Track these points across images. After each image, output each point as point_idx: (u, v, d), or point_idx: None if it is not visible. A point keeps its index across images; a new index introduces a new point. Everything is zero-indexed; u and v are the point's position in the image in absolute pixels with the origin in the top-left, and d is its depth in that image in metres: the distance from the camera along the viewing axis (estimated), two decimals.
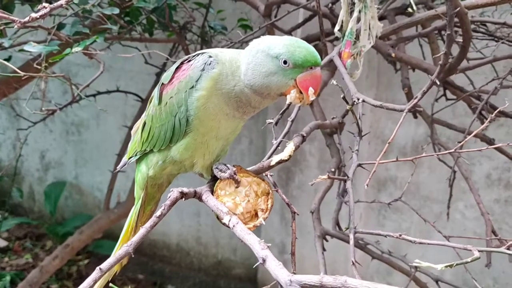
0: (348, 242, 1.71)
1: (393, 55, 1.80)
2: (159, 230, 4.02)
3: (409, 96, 2.04)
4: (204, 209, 4.06)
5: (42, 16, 0.75)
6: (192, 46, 2.79)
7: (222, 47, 2.64)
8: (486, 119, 2.20)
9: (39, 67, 1.71)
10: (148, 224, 0.87)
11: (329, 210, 1.93)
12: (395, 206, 3.47)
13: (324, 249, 1.63)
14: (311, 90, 0.97)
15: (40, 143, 4.43)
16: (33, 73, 1.76)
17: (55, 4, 0.77)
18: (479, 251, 0.86)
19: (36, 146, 4.44)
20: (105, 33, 1.90)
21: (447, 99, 2.19)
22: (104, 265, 0.81)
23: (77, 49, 1.58)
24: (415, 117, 2.05)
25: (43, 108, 2.16)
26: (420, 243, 0.97)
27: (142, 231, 0.86)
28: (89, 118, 4.24)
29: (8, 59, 2.16)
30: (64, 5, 0.79)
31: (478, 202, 1.66)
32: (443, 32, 1.92)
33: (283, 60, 0.94)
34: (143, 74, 3.54)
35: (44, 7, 0.76)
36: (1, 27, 1.88)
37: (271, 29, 2.20)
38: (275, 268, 0.76)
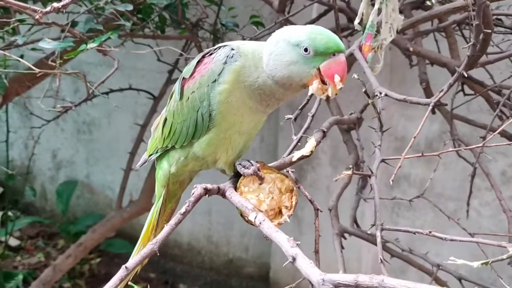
0: (366, 240, 1.68)
1: (411, 49, 1.76)
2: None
3: (427, 91, 2.00)
4: (215, 207, 4.04)
5: (64, 6, 0.73)
6: (204, 43, 2.77)
7: None
8: (505, 114, 2.16)
9: (53, 64, 1.68)
10: (172, 222, 0.85)
11: (343, 208, 1.90)
12: (408, 204, 3.43)
13: (342, 247, 1.60)
14: (337, 78, 0.92)
15: (51, 142, 4.43)
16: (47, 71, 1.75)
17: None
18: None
19: (47, 145, 4.44)
20: (119, 30, 1.88)
21: (465, 95, 2.15)
22: (130, 263, 0.79)
23: (92, 45, 1.56)
24: (434, 112, 2.01)
25: (57, 106, 2.15)
26: (452, 240, 0.94)
27: (166, 228, 0.84)
28: (100, 117, 4.24)
29: (20, 57, 2.15)
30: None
31: (500, 199, 1.63)
32: (462, 26, 1.88)
33: (303, 47, 0.90)
34: (154, 72, 3.52)
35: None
36: (15, 24, 1.87)
37: (284, 24, 2.17)
38: (306, 267, 0.73)
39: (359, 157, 1.70)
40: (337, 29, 1.86)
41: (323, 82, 0.94)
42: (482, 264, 0.79)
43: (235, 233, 3.99)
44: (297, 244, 0.78)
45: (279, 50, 0.92)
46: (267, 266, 3.82)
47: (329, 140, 3.32)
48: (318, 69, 0.92)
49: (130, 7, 1.88)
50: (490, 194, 3.16)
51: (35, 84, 2.59)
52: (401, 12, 2.07)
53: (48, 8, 0.74)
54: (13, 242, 4.18)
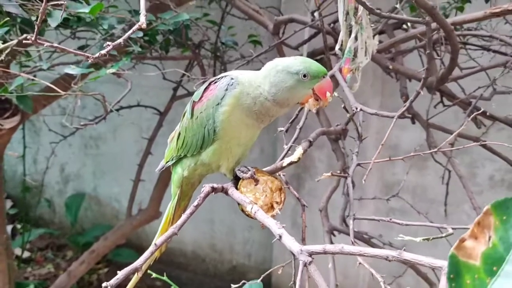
0: (356, 237, 1.96)
1: (390, 67, 2.05)
2: (175, 238, 4.26)
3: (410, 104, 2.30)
4: (218, 216, 4.32)
5: (108, 52, 1.02)
6: (205, 61, 3.06)
7: (235, 62, 2.93)
8: (482, 123, 2.45)
9: (75, 86, 1.98)
10: (188, 211, 1.13)
11: (336, 209, 2.18)
12: (402, 209, 3.69)
13: (331, 242, 1.88)
14: (328, 94, 1.23)
15: (60, 156, 4.71)
16: (62, 90, 2.03)
17: (116, 42, 1.04)
18: (453, 228, 1.11)
19: (56, 160, 4.72)
20: (131, 54, 2.17)
21: (444, 105, 2.44)
22: (158, 241, 1.08)
23: (111, 70, 1.85)
24: (413, 122, 2.30)
25: (66, 122, 2.45)
26: (407, 224, 1.22)
27: (184, 216, 1.12)
28: (106, 132, 4.53)
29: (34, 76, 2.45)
30: (122, 43, 1.06)
31: (470, 198, 1.90)
32: (437, 45, 2.18)
33: (302, 74, 1.19)
34: (157, 89, 3.82)
35: (108, 45, 1.02)
36: (40, 52, 2.18)
37: (279, 45, 2.47)
38: (289, 241, 1.01)
39: (345, 163, 1.99)
40: (325, 49, 2.15)
41: (315, 99, 1.25)
42: (424, 239, 1.06)
43: (238, 241, 4.26)
44: (283, 226, 1.06)
45: (279, 79, 1.20)
46: (269, 273, 4.07)
47: (325, 150, 3.61)
48: (312, 89, 1.22)
49: (140, 34, 2.18)
50: (480, 198, 3.43)
51: (51, 103, 2.89)
52: (384, 32, 2.38)
53: (97, 54, 1.03)
54: (24, 254, 4.46)
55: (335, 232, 2.00)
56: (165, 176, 3.17)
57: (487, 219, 0.63)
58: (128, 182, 3.41)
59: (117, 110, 2.83)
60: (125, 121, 4.21)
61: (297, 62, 1.21)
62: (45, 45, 0.98)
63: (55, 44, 1.01)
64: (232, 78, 1.25)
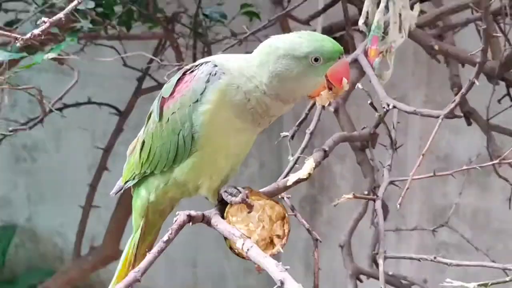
0: (388, 282, 1.98)
1: (436, 47, 2.08)
2: (143, 285, 4.24)
3: (462, 97, 2.32)
4: (202, 256, 4.32)
5: (43, 32, 1.04)
6: (182, 41, 3.07)
7: (223, 41, 2.95)
8: None
9: (1, 77, 2.00)
10: (155, 250, 1.15)
11: (364, 245, 2.20)
12: (458, 245, 3.69)
13: None
14: (344, 81, 1.25)
15: None
16: None
17: (56, 16, 1.06)
18: None
19: None
20: (79, 32, 2.20)
21: None
22: None
23: (50, 55, 1.87)
24: (469, 124, 2.32)
25: None
26: (457, 265, 1.24)
27: (149, 257, 1.14)
28: (45, 139, 4.51)
29: None
30: (63, 18, 1.08)
31: None
32: (499, 18, 2.20)
33: (313, 57, 1.21)
34: (117, 78, 3.83)
35: (44, 21, 1.04)
36: None
37: (284, 20, 2.49)
38: None
39: (375, 181, 2.00)
40: (347, 23, 2.19)
41: (329, 87, 1.26)
42: (480, 286, 1.08)
43: None
44: (286, 269, 1.08)
45: (282, 67, 1.21)
46: None
47: (349, 162, 3.62)
48: (325, 76, 1.24)
49: (91, 5, 2.20)
50: None
51: None
52: None
53: (29, 35, 1.05)
54: None
55: (362, 277, 2.01)
56: (127, 200, 3.18)
57: None
58: (76, 210, 3.41)
59: (60, 109, 2.85)
60: (72, 125, 4.21)
61: (305, 42, 1.23)
62: None
63: None
64: (215, 65, 1.27)
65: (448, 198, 3.68)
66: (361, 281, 1.99)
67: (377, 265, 2.07)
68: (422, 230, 2.52)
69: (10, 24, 2.33)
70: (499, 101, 2.43)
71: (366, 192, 1.98)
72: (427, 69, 3.51)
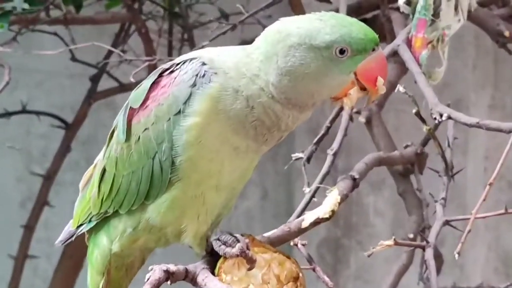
0: None
1: (506, 34, 2.10)
2: None
3: None
4: None
5: None
6: (153, 24, 3.09)
7: (209, 26, 2.97)
8: None
9: None
10: None
11: None
12: None
13: None
14: (380, 81, 1.26)
15: None
16: None
17: None
18: None
19: None
20: (10, 15, 2.22)
21: None
22: None
23: None
24: None
25: None
26: None
27: None
28: None
29: None
30: None
31: None
32: None
33: (339, 48, 1.22)
34: (62, 77, 3.85)
35: None
36: None
37: None
38: None
39: (424, 219, 2.02)
40: (382, 1, 2.21)
41: (360, 88, 1.28)
42: None
43: None
44: None
45: (296, 60, 1.22)
46: None
47: (388, 193, 3.63)
48: (355, 73, 1.25)
49: None
50: None
51: None
52: None
53: None
54: None
55: None
56: (75, 249, 3.20)
57: None
58: (6, 261, 3.43)
59: None
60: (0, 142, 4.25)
61: (327, 27, 1.24)
62: None
63: None
64: (203, 63, 1.29)
65: None
66: None
67: None
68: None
69: None
70: None
71: (411, 236, 1.99)
72: (494, 63, 3.54)
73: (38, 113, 3.28)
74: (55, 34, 2.90)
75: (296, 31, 1.24)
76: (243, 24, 2.49)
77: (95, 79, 3.29)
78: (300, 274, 1.32)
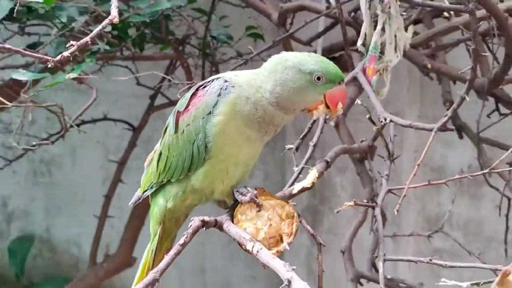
0: (386, 286, 2.00)
1: (429, 66, 2.12)
2: None
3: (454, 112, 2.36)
4: (210, 264, 4.34)
5: (72, 54, 1.08)
6: (191, 61, 3.11)
7: (230, 61, 2.99)
8: None
9: (26, 96, 2.05)
10: (172, 252, 1.18)
11: (364, 251, 2.22)
12: (452, 251, 3.72)
13: None
14: (340, 105, 1.30)
15: (1, 187, 4.73)
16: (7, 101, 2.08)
17: (83, 40, 1.11)
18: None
19: None
20: (96, 53, 2.25)
21: (501, 114, 2.49)
22: None
23: (71, 75, 1.92)
24: (461, 137, 2.36)
25: (14, 143, 2.50)
26: (451, 267, 1.27)
27: (167, 259, 1.17)
28: (62, 154, 4.56)
29: None
30: (89, 41, 1.12)
31: None
32: (488, 38, 2.24)
33: (316, 76, 1.26)
34: (130, 97, 3.88)
35: (72, 44, 1.09)
36: None
37: (287, 40, 2.54)
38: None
39: (373, 190, 2.04)
40: (346, 44, 2.23)
41: (326, 107, 1.31)
42: (472, 285, 1.11)
43: None
44: (293, 269, 1.12)
45: (287, 77, 1.26)
46: None
47: (349, 174, 3.66)
48: (324, 95, 1.29)
49: (108, 28, 2.25)
50: None
51: None
52: (420, 21, 2.45)
53: (59, 57, 1.09)
54: None
55: (363, 280, 2.04)
56: (140, 211, 3.22)
57: None
58: (92, 220, 3.45)
59: (78, 125, 2.90)
60: (87, 140, 4.25)
61: (312, 60, 1.29)
62: None
63: None
64: (225, 81, 1.32)
65: (442, 207, 3.71)
66: (361, 284, 2.02)
67: (376, 269, 2.10)
68: (417, 236, 2.51)
69: (32, 47, 2.36)
70: (488, 115, 2.47)
71: (365, 201, 2.01)
72: (421, 86, 3.55)
73: (114, 120, 3.32)
74: (126, 67, 2.93)
75: (291, 59, 1.29)
76: (252, 60, 2.52)
77: (152, 98, 3.34)
78: (295, 214, 1.33)
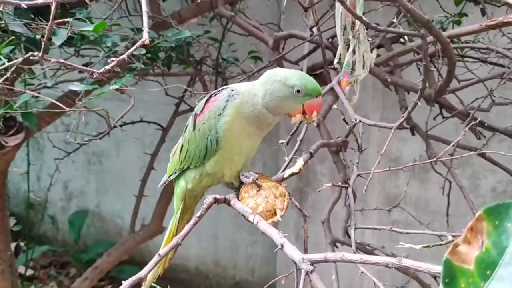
0: (356, 248, 1.97)
1: (389, 80, 2.09)
2: (179, 253, 4.29)
3: (408, 115, 2.33)
4: (221, 231, 4.33)
5: (112, 67, 1.05)
6: (207, 77, 3.10)
7: (236, 77, 2.97)
8: (482, 134, 2.48)
9: (79, 102, 2.02)
10: (191, 222, 1.16)
11: (339, 221, 2.20)
12: (406, 222, 3.69)
13: None
14: (314, 113, 1.28)
15: (63, 173, 4.73)
16: (66, 107, 2.06)
17: (120, 57, 1.08)
18: (452, 236, 1.13)
19: (59, 177, 4.72)
20: (134, 71, 2.22)
21: (444, 117, 2.47)
22: (162, 251, 1.10)
23: (115, 86, 1.89)
24: (413, 134, 2.33)
25: (71, 139, 2.49)
26: (407, 233, 1.24)
27: (187, 227, 1.14)
28: (109, 148, 4.56)
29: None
30: (126, 59, 1.10)
31: (472, 208, 1.92)
32: (434, 58, 2.21)
33: (297, 89, 1.23)
34: (160, 104, 3.85)
35: (112, 60, 1.06)
36: (45, 70, 2.22)
37: (280, 60, 2.51)
38: (291, 250, 1.04)
39: (346, 175, 2.01)
40: (325, 63, 2.19)
41: (302, 113, 1.29)
42: (424, 247, 1.08)
43: (241, 256, 4.26)
44: (284, 236, 1.09)
45: (275, 88, 1.24)
46: (272, 287, 4.08)
47: (327, 163, 3.63)
48: (303, 104, 1.26)
49: (143, 51, 2.23)
50: None
51: (54, 120, 2.93)
52: (382, 46, 2.42)
53: (102, 70, 1.06)
54: (27, 271, 4.46)
55: (338, 244, 2.01)
56: (168, 191, 3.20)
57: (480, 224, 0.65)
58: (131, 198, 3.44)
59: (120, 126, 2.87)
60: (128, 137, 4.23)
61: (295, 77, 1.26)
62: (52, 61, 1.01)
63: (61, 60, 1.05)
64: (232, 90, 1.30)
65: (398, 188, 3.69)
66: (337, 247, 2.00)
67: (349, 236, 2.07)
68: (380, 210, 2.48)
69: (85, 66, 2.33)
70: (434, 118, 2.45)
71: (340, 183, 1.98)
72: (382, 96, 3.53)
73: (148, 122, 3.30)
74: (157, 81, 2.90)
75: (279, 74, 1.27)
76: (253, 76, 2.49)
77: (177, 105, 3.32)
78: (287, 193, 1.31)
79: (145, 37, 1.13)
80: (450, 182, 2.19)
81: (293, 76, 1.26)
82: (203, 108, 1.33)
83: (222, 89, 1.33)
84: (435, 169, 2.27)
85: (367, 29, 1.77)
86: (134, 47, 1.10)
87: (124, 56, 1.09)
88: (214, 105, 1.30)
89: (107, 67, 1.04)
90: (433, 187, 3.57)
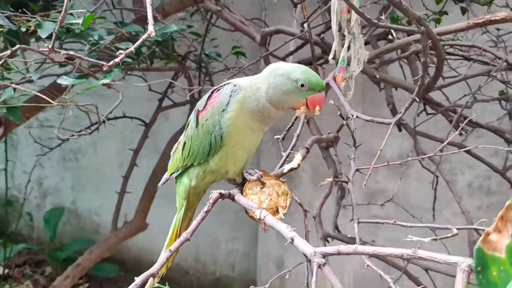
0: (346, 242, 2.00)
1: (377, 76, 2.11)
2: (159, 250, 4.24)
3: (394, 111, 2.36)
4: (202, 228, 4.28)
5: (120, 59, 1.03)
6: (191, 72, 3.07)
7: (219, 73, 2.96)
8: (464, 130, 2.53)
9: (65, 97, 1.97)
10: (199, 218, 1.15)
11: (327, 217, 2.21)
12: (387, 216, 3.75)
13: None
14: (317, 108, 1.28)
15: (38, 170, 4.62)
16: (46, 102, 2.01)
17: (129, 49, 1.05)
18: (457, 229, 1.15)
19: (34, 174, 4.63)
20: (122, 65, 2.17)
21: (428, 114, 2.51)
22: (172, 247, 1.09)
23: (104, 81, 1.85)
24: (400, 130, 2.36)
25: (47, 137, 2.42)
26: (411, 226, 1.26)
27: (195, 222, 1.13)
28: (86, 144, 4.47)
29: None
30: (133, 51, 1.08)
31: (458, 202, 1.97)
32: (420, 55, 2.24)
33: (301, 83, 1.23)
34: (142, 99, 3.80)
35: (120, 53, 1.04)
36: (28, 65, 2.16)
37: (267, 56, 2.50)
38: (302, 244, 1.04)
39: (337, 170, 2.03)
40: (313, 59, 2.21)
41: (307, 107, 1.28)
42: (433, 240, 1.10)
43: (221, 252, 4.25)
44: (294, 230, 1.09)
45: (279, 82, 1.24)
46: (253, 283, 4.08)
47: (309, 159, 3.64)
48: (306, 98, 1.26)
49: (130, 46, 2.18)
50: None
51: (34, 115, 2.85)
52: (368, 43, 2.45)
53: (111, 63, 1.04)
54: (0, 270, 4.35)
55: (328, 239, 2.03)
56: (150, 189, 3.15)
57: (510, 213, 0.67)
58: (110, 195, 3.37)
59: (103, 121, 2.82)
60: (106, 133, 4.15)
61: (298, 71, 1.25)
62: (61, 53, 0.98)
63: (71, 52, 1.02)
64: (235, 85, 1.29)
65: (378, 184, 3.75)
66: (328, 241, 2.02)
67: (339, 230, 2.10)
68: (362, 205, 2.51)
69: (70, 59, 2.27)
70: (418, 114, 2.49)
71: (330, 179, 2.00)
72: (362, 92, 3.54)
73: (131, 117, 3.24)
74: (141, 76, 2.86)
75: (283, 68, 1.26)
76: (238, 72, 2.49)
77: (160, 100, 3.27)
78: (289, 192, 1.32)
79: (151, 29, 1.11)
80: (437, 177, 2.24)
81: (297, 70, 1.25)
82: (206, 104, 1.31)
83: (224, 85, 1.31)
84: (423, 165, 2.32)
85: (368, 25, 1.79)
86: (141, 39, 1.08)
87: (132, 48, 1.07)
88: (217, 101, 1.28)
89: (117, 59, 1.02)
90: (413, 183, 3.63)
